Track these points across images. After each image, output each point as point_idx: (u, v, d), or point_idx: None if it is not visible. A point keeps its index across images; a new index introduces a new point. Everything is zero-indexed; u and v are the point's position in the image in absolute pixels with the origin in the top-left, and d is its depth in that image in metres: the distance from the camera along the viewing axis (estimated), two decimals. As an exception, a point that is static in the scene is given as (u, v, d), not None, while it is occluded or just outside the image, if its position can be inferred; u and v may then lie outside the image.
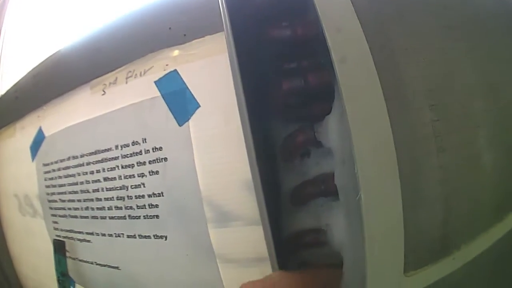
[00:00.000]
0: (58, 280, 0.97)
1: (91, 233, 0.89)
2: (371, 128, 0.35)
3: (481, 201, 0.46)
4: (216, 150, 0.64)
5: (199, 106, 0.66)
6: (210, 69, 0.66)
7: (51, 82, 1.08)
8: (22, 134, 1.21)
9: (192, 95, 0.67)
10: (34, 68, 1.19)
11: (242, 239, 0.64)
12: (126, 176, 0.75)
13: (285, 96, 0.44)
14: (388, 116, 0.35)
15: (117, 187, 0.78)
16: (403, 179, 0.35)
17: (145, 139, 0.72)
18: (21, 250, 1.39)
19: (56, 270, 0.97)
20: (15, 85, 1.32)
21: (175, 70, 0.70)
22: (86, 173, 0.86)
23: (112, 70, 0.84)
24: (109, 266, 0.89)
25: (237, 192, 0.62)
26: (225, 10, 0.45)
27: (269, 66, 0.48)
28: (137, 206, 0.74)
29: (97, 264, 0.93)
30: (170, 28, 0.74)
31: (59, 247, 0.95)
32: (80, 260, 0.99)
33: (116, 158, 0.78)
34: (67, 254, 1.03)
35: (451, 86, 0.45)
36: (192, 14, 0.71)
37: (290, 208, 0.45)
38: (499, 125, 0.49)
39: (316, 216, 0.44)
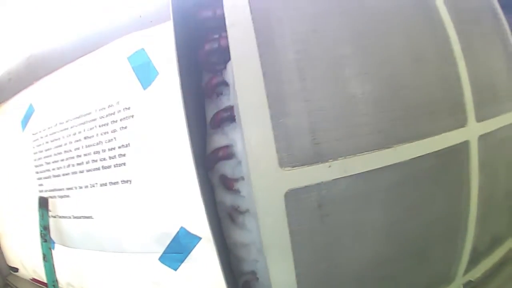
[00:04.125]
0: (41, 234, 1.29)
1: (71, 188, 1.22)
2: (246, 62, 0.67)
3: (352, 119, 0.73)
4: (169, 105, 0.96)
5: (158, 73, 0.99)
6: (167, 46, 0.99)
7: (42, 63, 1.44)
8: (13, 110, 1.57)
9: (154, 66, 1.01)
10: (27, 52, 1.56)
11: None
12: (102, 133, 1.08)
13: (207, 55, 0.78)
14: (258, 54, 0.68)
15: (94, 143, 1.11)
16: (269, 99, 0.66)
17: (118, 102, 1.05)
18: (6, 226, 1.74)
19: (40, 224, 1.29)
20: (8, 68, 1.70)
21: (143, 48, 1.04)
22: (70, 135, 1.19)
23: (96, 49, 1.19)
24: (84, 217, 1.21)
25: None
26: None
27: (198, 40, 0.81)
28: (109, 157, 1.07)
29: (74, 218, 1.25)
30: (140, 16, 1.09)
31: (43, 203, 1.28)
32: (60, 217, 1.32)
33: (94, 120, 1.11)
34: (49, 213, 1.35)
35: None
36: (157, 7, 1.05)
37: (210, 132, 0.77)
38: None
39: (226, 135, 0.76)
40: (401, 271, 0.89)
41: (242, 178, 0.76)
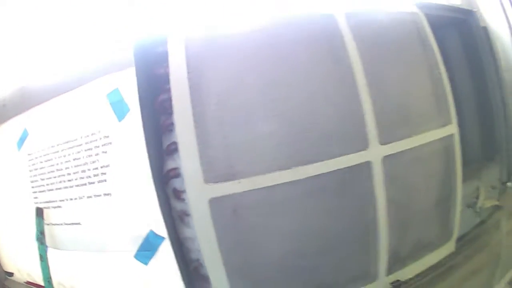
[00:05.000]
0: (38, 238, 1.60)
1: (63, 200, 1.53)
2: (183, 112, 1.01)
3: (258, 150, 1.06)
4: (138, 136, 1.27)
5: (130, 110, 1.31)
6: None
7: (34, 95, 1.75)
8: (9, 132, 1.86)
9: (126, 103, 1.32)
10: (20, 83, 1.87)
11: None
12: (87, 155, 1.40)
13: (161, 102, 1.10)
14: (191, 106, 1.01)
15: (81, 164, 1.42)
16: (197, 137, 0.99)
17: (99, 131, 1.37)
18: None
19: (37, 229, 1.60)
20: (1, 96, 2.00)
21: (117, 88, 1.36)
22: (61, 156, 1.50)
23: (81, 85, 1.51)
24: (73, 223, 1.51)
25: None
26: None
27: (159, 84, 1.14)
28: (93, 175, 1.38)
29: (65, 224, 1.56)
30: (117, 59, 1.41)
31: (39, 212, 1.59)
32: (53, 224, 1.62)
33: (81, 145, 1.43)
34: (44, 221, 1.66)
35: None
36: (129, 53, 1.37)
37: (165, 158, 1.10)
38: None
39: (175, 160, 1.09)
40: (317, 264, 1.20)
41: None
